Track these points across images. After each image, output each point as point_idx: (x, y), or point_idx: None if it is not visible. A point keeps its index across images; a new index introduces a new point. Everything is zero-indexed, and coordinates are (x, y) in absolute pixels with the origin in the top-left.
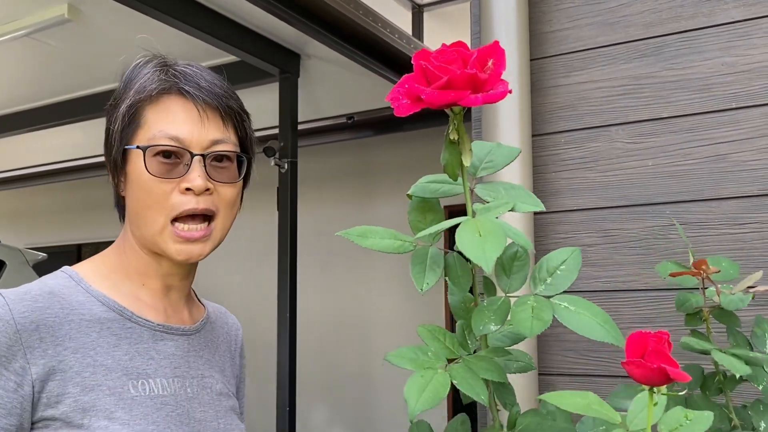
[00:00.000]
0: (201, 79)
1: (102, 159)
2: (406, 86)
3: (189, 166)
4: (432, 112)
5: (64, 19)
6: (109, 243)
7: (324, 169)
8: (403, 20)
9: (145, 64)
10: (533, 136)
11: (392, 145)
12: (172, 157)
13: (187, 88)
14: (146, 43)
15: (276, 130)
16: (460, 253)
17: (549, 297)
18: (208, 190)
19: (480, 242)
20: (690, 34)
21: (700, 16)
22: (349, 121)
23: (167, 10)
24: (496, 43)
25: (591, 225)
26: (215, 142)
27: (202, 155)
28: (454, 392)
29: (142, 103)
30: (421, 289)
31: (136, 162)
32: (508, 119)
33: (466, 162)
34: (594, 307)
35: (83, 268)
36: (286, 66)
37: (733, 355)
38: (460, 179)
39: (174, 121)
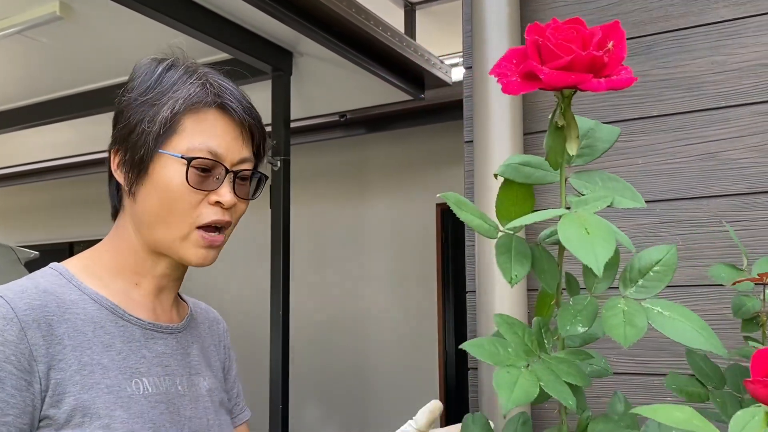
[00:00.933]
0: (239, 95)
1: (94, 157)
2: (515, 61)
3: (221, 180)
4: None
5: (55, 17)
6: (100, 240)
7: (317, 167)
8: (395, 18)
9: (175, 68)
10: (525, 134)
11: (385, 143)
12: (208, 170)
13: (231, 104)
14: (174, 46)
15: (268, 128)
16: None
17: (640, 300)
18: (234, 204)
19: (589, 241)
20: (680, 33)
21: (690, 15)
22: (341, 119)
23: (159, 8)
24: (617, 23)
25: None
26: (243, 160)
27: (234, 172)
28: (446, 385)
29: (185, 111)
30: (510, 281)
31: (169, 167)
32: (500, 117)
33: (572, 150)
34: (689, 313)
35: (73, 264)
36: (278, 64)
37: None
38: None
39: (215, 136)
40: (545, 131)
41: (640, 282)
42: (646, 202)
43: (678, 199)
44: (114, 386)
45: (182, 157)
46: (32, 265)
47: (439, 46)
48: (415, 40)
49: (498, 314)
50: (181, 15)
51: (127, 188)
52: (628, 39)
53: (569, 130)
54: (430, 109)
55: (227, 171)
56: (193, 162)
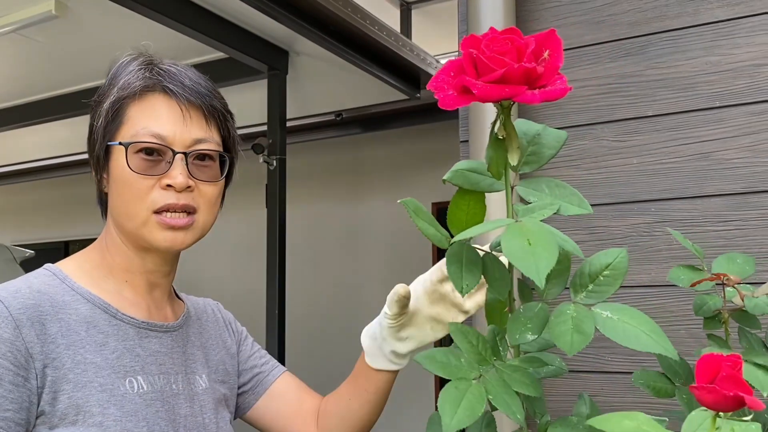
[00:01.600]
0: (185, 77)
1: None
2: (452, 74)
3: (171, 163)
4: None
5: (51, 15)
6: (96, 239)
7: (313, 166)
8: (391, 17)
9: (130, 62)
10: None
11: (381, 142)
12: (155, 154)
13: (170, 86)
14: (144, 46)
15: (264, 127)
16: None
17: (590, 306)
18: (189, 187)
19: (531, 252)
20: (674, 33)
21: (685, 16)
22: (337, 118)
23: (155, 7)
24: (553, 31)
25: (577, 223)
26: (198, 141)
27: (184, 153)
28: (441, 381)
29: (126, 100)
30: (462, 292)
31: (119, 158)
32: (493, 116)
33: (513, 161)
34: (639, 315)
35: (67, 265)
36: (274, 63)
37: (756, 364)
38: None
39: (157, 119)
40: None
41: (590, 287)
42: (640, 201)
43: (672, 199)
44: (107, 385)
45: (120, 144)
46: (28, 264)
47: (434, 45)
48: (410, 39)
49: (452, 323)
50: (176, 14)
51: (99, 189)
52: (622, 39)
53: (510, 141)
54: (425, 108)
55: (174, 153)
56: (137, 147)
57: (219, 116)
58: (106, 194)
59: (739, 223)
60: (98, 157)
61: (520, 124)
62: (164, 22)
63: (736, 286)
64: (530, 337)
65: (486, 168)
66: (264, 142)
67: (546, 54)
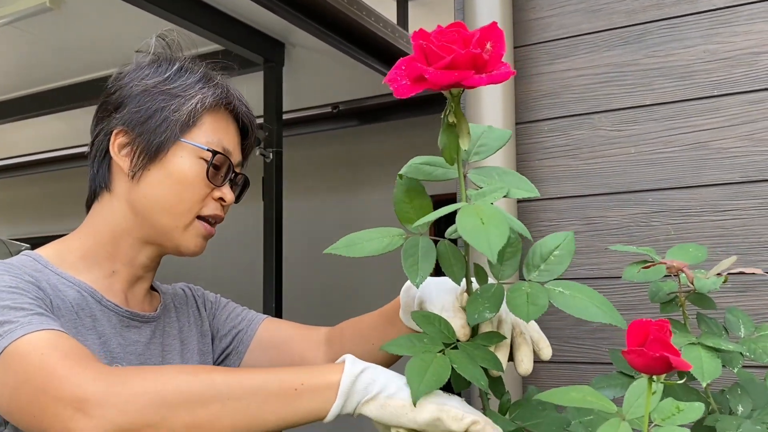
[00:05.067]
0: (243, 100)
1: (84, 149)
2: (404, 67)
3: (227, 178)
4: (417, 101)
5: (45, 8)
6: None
7: (309, 159)
8: (387, 9)
9: (196, 67)
10: (517, 124)
11: (378, 134)
12: (219, 167)
13: (242, 109)
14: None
15: (260, 120)
16: (451, 240)
17: (543, 283)
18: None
19: (483, 230)
20: (672, 21)
21: (683, 3)
22: (334, 111)
23: None
24: (494, 24)
25: (574, 213)
26: (240, 163)
27: (235, 172)
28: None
29: (203, 104)
30: (417, 284)
31: (186, 157)
32: (491, 107)
33: (464, 145)
34: (589, 291)
35: (46, 252)
36: (270, 55)
37: (705, 346)
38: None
39: (227, 134)
40: (537, 121)
41: (542, 266)
42: (638, 191)
43: (670, 189)
44: None
45: (207, 149)
46: None
47: None
48: (408, 31)
49: (414, 311)
50: (171, 6)
51: (131, 172)
52: (620, 27)
53: (460, 127)
54: (423, 100)
55: (233, 170)
56: (219, 157)
57: (256, 144)
58: (110, 175)
59: (737, 212)
60: (159, 146)
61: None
62: (159, 13)
63: (684, 269)
64: (488, 315)
65: (436, 160)
66: (260, 135)
67: (489, 45)
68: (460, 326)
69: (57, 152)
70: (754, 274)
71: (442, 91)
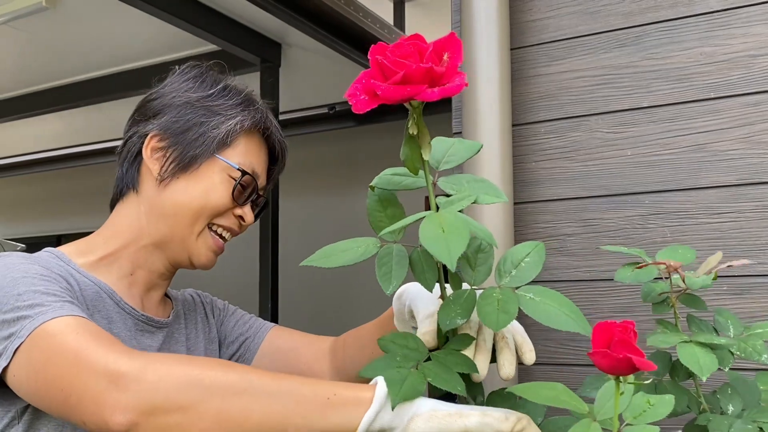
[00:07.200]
0: (277, 130)
1: (82, 149)
2: (363, 82)
3: (250, 199)
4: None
5: (41, 7)
6: (89, 233)
7: (306, 160)
8: (384, 10)
9: (239, 89)
10: (513, 125)
11: (374, 135)
12: (246, 187)
13: (277, 136)
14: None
15: None
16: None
17: (515, 288)
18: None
19: (443, 238)
20: (669, 23)
21: (680, 6)
22: (330, 112)
23: None
24: (453, 34)
25: (571, 215)
26: (264, 187)
27: (258, 195)
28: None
29: (241, 126)
30: (389, 292)
31: (218, 173)
32: (488, 109)
33: (426, 156)
34: (560, 297)
35: (68, 250)
36: (267, 55)
37: (699, 343)
38: (421, 173)
39: (259, 158)
40: (534, 123)
41: (514, 272)
42: (635, 194)
43: (667, 191)
44: None
45: (239, 169)
46: None
47: (428, 37)
48: (404, 32)
49: (380, 337)
50: (168, 6)
51: (159, 176)
52: (617, 30)
53: (422, 138)
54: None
55: (256, 192)
56: (248, 178)
57: (280, 171)
58: (134, 183)
59: (734, 215)
60: (194, 158)
61: (436, 142)
62: (156, 14)
63: (678, 269)
64: (459, 321)
65: (405, 171)
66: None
67: (446, 56)
68: (422, 333)
69: (54, 152)
70: (744, 265)
71: (404, 104)
